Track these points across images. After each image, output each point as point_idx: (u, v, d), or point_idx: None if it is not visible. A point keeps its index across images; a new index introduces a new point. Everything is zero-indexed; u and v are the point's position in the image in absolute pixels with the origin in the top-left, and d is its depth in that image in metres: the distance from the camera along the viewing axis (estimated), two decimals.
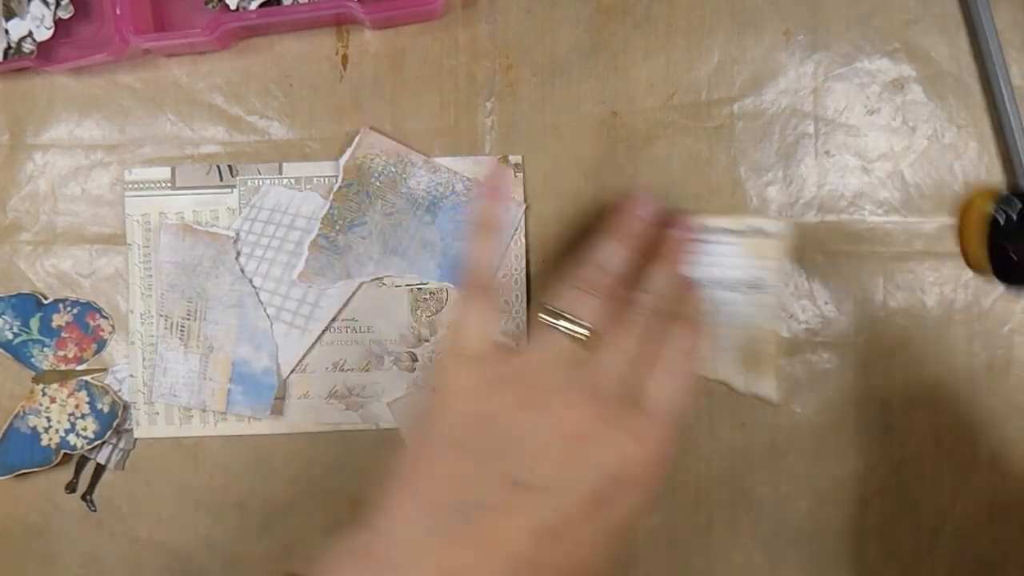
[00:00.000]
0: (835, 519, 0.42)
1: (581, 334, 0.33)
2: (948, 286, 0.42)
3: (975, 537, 0.42)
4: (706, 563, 0.42)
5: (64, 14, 0.40)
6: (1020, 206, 0.36)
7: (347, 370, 0.42)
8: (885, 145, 0.42)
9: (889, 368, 0.42)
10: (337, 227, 0.42)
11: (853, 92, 0.42)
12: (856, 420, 0.42)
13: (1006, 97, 0.40)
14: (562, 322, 0.33)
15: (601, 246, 0.36)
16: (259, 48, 0.42)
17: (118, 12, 0.39)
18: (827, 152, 0.42)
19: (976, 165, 0.41)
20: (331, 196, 0.42)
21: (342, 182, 0.42)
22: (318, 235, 0.42)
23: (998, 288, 0.41)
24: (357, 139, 0.42)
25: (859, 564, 0.42)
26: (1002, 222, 0.37)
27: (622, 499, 0.31)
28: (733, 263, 0.41)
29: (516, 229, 0.42)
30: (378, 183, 0.42)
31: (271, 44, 0.42)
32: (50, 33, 0.40)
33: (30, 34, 0.40)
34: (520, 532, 0.29)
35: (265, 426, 0.42)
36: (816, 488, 0.42)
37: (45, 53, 0.41)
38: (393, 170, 0.42)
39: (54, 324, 0.43)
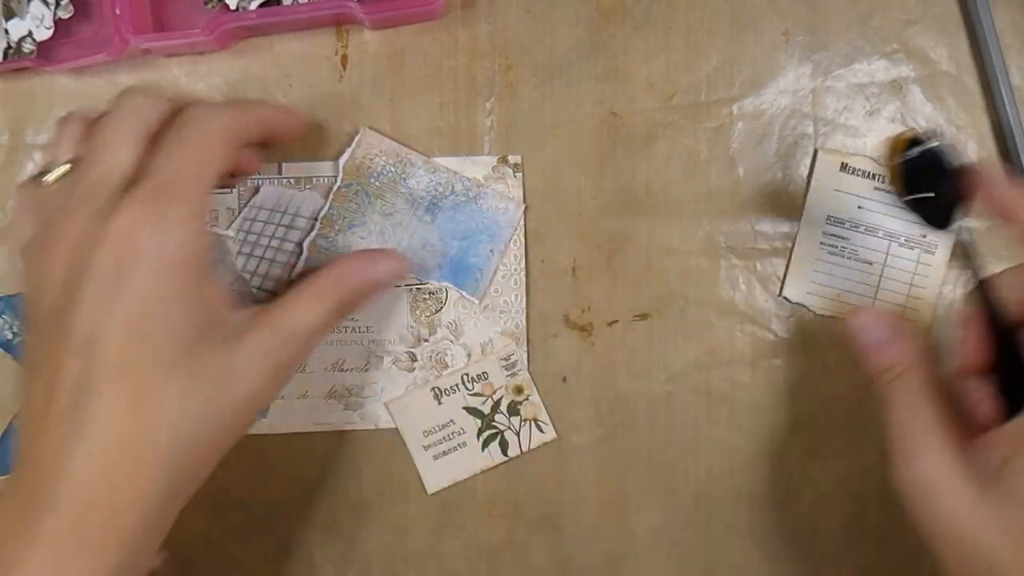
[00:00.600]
0: (835, 518, 0.42)
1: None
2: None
3: None
4: (706, 563, 0.42)
5: (64, 14, 0.40)
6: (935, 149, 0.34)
7: (346, 370, 0.42)
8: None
9: None
10: (336, 227, 0.42)
11: (852, 93, 0.42)
12: (856, 419, 0.42)
13: (1005, 98, 0.40)
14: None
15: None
16: (259, 48, 0.42)
17: (118, 12, 0.39)
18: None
19: None
20: (330, 196, 0.42)
21: (341, 182, 0.42)
22: (317, 235, 0.42)
23: None
24: (356, 139, 0.42)
25: (859, 564, 0.42)
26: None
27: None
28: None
29: (515, 229, 0.42)
30: (377, 183, 0.42)
31: (271, 44, 0.42)
32: (50, 33, 0.40)
33: (30, 34, 0.40)
34: None
35: (264, 426, 0.42)
36: (815, 487, 0.42)
37: (45, 53, 0.41)
38: (393, 170, 0.42)
39: None
